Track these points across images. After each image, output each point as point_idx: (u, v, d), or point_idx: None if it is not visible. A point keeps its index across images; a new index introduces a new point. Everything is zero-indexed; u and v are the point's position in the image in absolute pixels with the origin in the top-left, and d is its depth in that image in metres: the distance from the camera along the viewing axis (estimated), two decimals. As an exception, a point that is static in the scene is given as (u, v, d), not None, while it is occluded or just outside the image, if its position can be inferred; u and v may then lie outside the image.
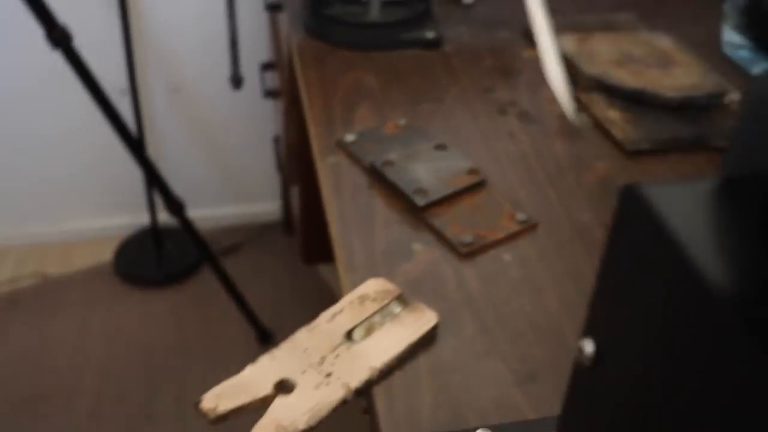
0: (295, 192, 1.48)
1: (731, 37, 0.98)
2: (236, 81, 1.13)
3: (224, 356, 1.73)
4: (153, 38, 1.77)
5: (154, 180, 1.34)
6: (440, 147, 0.75)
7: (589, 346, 0.26)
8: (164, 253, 1.96)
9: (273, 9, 1.21)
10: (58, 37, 1.11)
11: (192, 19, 1.75)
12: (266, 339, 1.73)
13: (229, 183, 2.07)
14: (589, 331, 0.26)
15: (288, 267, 1.97)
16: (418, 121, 0.82)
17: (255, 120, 1.93)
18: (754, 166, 0.22)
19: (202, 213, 1.97)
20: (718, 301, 0.18)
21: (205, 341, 1.79)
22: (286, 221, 2.05)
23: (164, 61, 1.81)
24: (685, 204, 0.21)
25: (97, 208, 2.03)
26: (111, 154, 1.79)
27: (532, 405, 0.51)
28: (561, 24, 1.02)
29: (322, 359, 0.53)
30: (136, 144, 1.27)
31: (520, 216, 0.67)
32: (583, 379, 0.27)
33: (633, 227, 0.22)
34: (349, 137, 0.77)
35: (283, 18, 1.18)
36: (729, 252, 0.20)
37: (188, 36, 1.78)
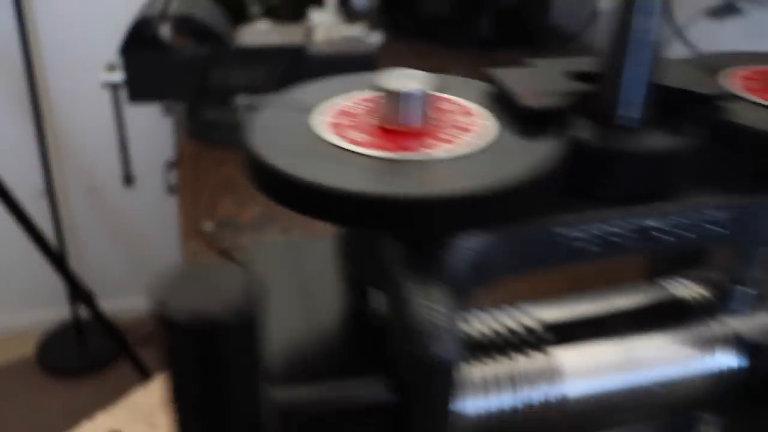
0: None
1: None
2: (127, 179, 1.25)
3: (143, 442, 1.78)
4: (67, 139, 1.88)
5: (61, 272, 1.43)
6: (286, 230, 0.87)
7: None
8: (86, 344, 2.02)
9: (169, 113, 1.34)
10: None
11: (105, 119, 1.87)
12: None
13: (149, 274, 2.15)
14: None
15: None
16: (272, 210, 0.93)
17: (170, 213, 2.03)
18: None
19: (125, 304, 2.04)
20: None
21: (125, 429, 1.83)
22: (206, 308, 2.13)
23: (81, 161, 1.92)
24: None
25: (16, 304, 2.09)
26: (30, 249, 1.87)
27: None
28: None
29: None
30: (43, 242, 1.37)
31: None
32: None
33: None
34: (209, 226, 0.88)
35: (178, 120, 1.30)
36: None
37: (102, 136, 1.89)
